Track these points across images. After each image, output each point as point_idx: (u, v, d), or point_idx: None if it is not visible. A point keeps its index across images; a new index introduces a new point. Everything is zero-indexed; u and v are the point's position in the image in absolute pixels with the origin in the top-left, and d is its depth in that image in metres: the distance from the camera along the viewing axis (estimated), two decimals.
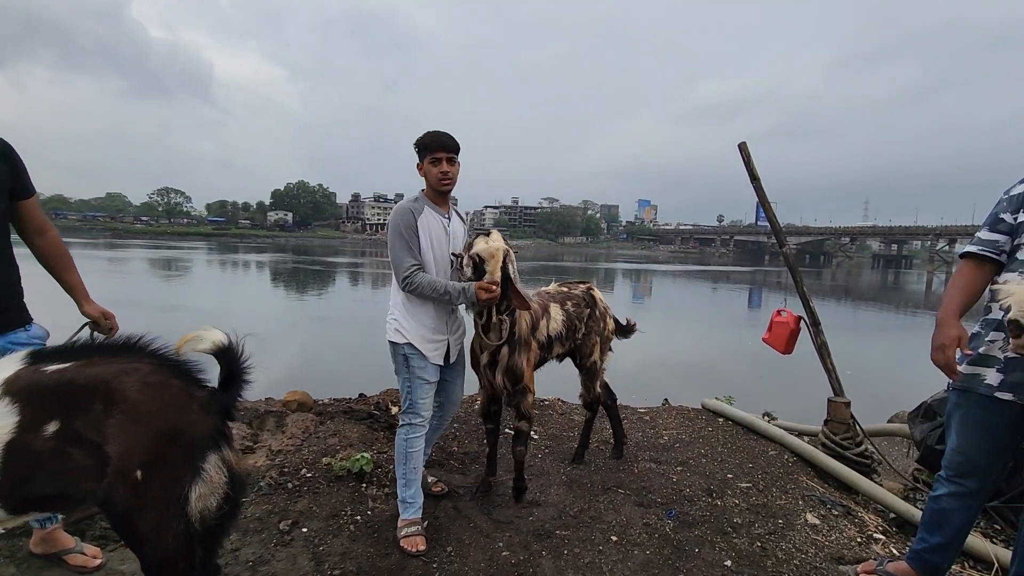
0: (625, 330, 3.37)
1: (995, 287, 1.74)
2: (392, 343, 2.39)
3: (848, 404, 3.27)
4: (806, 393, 5.21)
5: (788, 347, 3.54)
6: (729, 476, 3.04)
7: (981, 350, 1.83)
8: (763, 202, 3.86)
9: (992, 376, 1.80)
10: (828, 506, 2.78)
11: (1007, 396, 1.76)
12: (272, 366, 7.50)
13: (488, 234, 2.33)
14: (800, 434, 3.58)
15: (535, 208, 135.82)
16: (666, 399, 4.69)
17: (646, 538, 2.42)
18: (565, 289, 3.03)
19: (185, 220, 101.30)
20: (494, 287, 2.23)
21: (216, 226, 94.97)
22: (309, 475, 2.86)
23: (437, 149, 2.32)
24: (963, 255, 1.93)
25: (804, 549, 2.39)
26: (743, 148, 3.79)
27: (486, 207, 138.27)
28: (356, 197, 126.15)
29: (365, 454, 2.90)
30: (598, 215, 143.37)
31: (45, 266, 1.97)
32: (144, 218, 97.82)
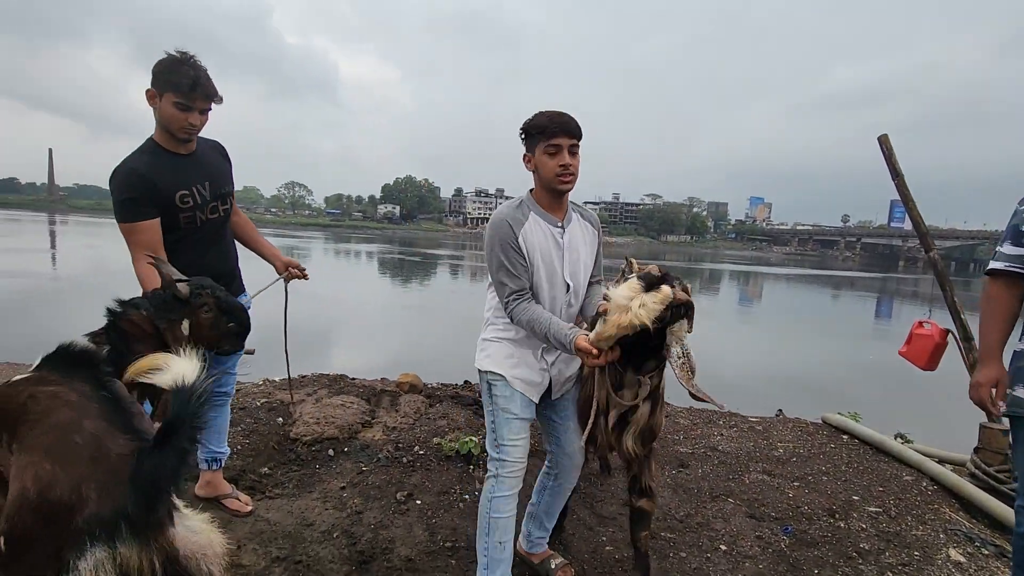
0: None
1: None
2: (479, 370, 1.92)
3: (1007, 433, 2.87)
4: (949, 416, 4.64)
5: (931, 363, 3.17)
6: (855, 498, 2.80)
7: None
8: (906, 201, 3.49)
9: None
10: (977, 544, 2.47)
11: None
12: (383, 348, 8.04)
13: (647, 284, 1.51)
14: (942, 461, 3.21)
15: (637, 205, 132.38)
16: (780, 410, 4.40)
17: (759, 551, 2.31)
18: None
19: (307, 212, 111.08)
20: (596, 355, 1.57)
21: (332, 218, 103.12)
22: (421, 452, 3.05)
23: (557, 133, 1.71)
24: (989, 273, 1.75)
25: None
26: (884, 141, 3.46)
27: (586, 203, 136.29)
28: (458, 192, 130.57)
29: (473, 438, 3.03)
30: (704, 213, 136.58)
31: (240, 238, 2.33)
32: (273, 209, 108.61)
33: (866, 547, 2.38)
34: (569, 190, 1.80)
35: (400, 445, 3.11)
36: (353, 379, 4.24)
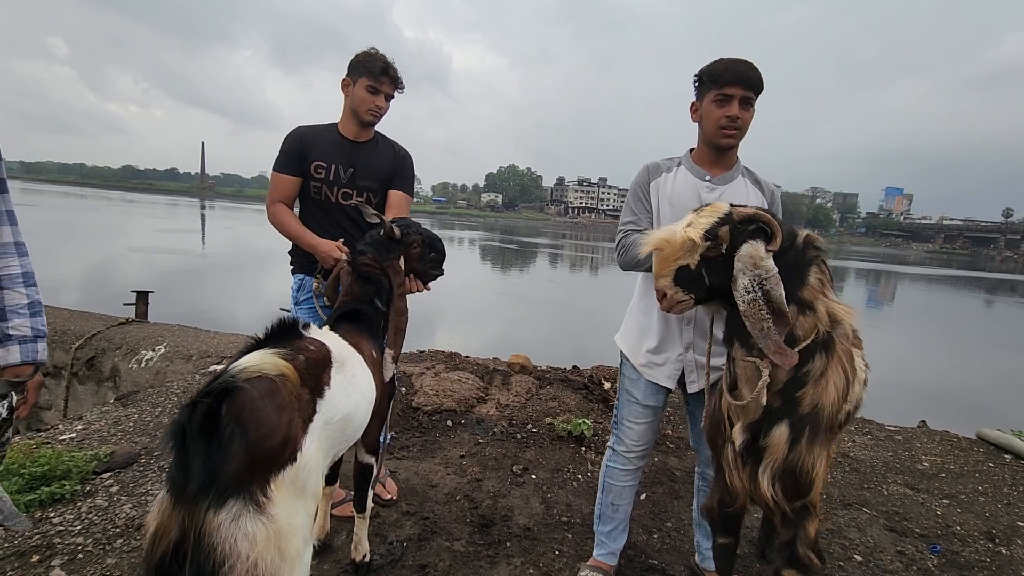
0: None
1: None
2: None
3: None
4: None
5: None
6: (1019, 523, 2.47)
7: None
8: None
9: None
10: None
11: None
12: (491, 330, 8.32)
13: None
14: None
15: None
16: (923, 421, 3.96)
17: (900, 567, 2.13)
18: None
19: (415, 200, 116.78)
20: (659, 297, 1.38)
21: (439, 205, 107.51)
22: (534, 431, 3.14)
23: (731, 82, 1.57)
24: None
25: None
26: None
27: None
28: (560, 181, 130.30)
29: (585, 420, 3.07)
30: (829, 204, 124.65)
31: None
32: None
33: None
34: (732, 145, 1.65)
35: (513, 422, 3.23)
36: (467, 357, 4.44)
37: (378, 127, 2.20)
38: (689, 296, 1.32)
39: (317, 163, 2.08)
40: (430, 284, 1.96)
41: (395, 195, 2.21)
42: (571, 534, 2.21)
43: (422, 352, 4.48)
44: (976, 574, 2.12)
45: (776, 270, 1.21)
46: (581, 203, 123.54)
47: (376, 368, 1.64)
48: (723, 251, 1.26)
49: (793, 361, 1.21)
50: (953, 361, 8.53)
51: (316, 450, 1.23)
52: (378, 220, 1.81)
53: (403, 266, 1.82)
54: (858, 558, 2.17)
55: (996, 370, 8.02)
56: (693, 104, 1.70)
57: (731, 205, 1.30)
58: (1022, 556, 2.24)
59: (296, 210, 2.19)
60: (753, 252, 1.20)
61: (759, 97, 1.62)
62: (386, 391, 1.72)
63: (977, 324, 14.25)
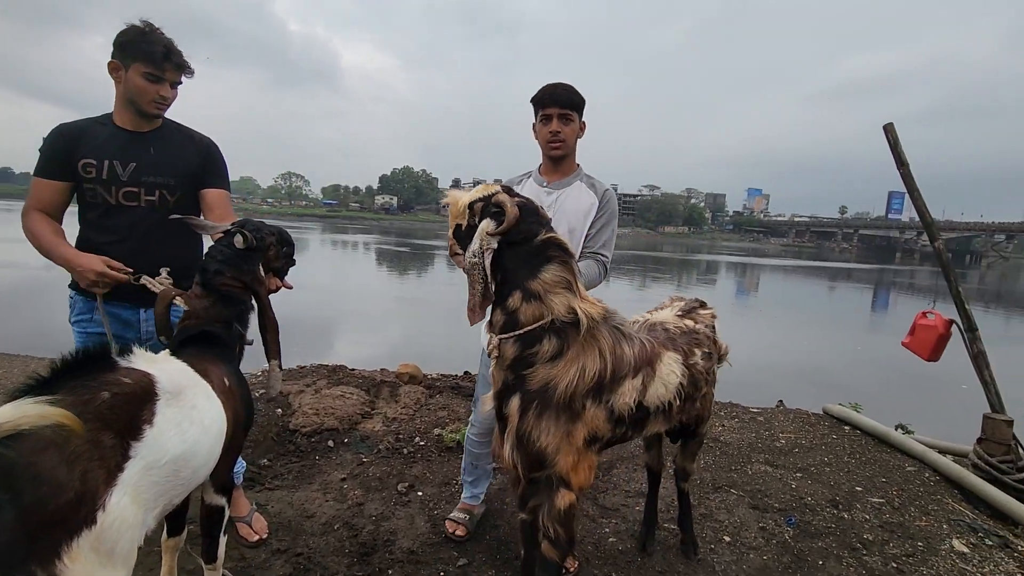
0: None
1: None
2: None
3: (1010, 423, 2.86)
4: (951, 407, 4.64)
5: (934, 354, 3.16)
6: (858, 489, 2.79)
7: None
8: (911, 190, 3.45)
9: None
10: (980, 534, 2.46)
11: None
12: (382, 339, 8.01)
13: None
14: (945, 452, 3.20)
15: (635, 196, 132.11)
16: (780, 401, 4.39)
17: (762, 543, 2.30)
18: (690, 323, 1.83)
19: (303, 202, 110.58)
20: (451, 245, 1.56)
21: (329, 208, 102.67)
22: (422, 443, 3.02)
23: (548, 103, 1.97)
24: None
25: None
26: (890, 130, 3.41)
27: None
28: (456, 182, 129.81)
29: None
30: (702, 204, 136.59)
31: None
32: (269, 200, 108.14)
33: (870, 538, 2.37)
34: (561, 156, 2.03)
35: (401, 436, 3.09)
36: (352, 370, 4.21)
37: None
38: (460, 252, 1.50)
39: (86, 161, 1.78)
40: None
41: (213, 194, 1.95)
42: (458, 551, 2.13)
43: (302, 368, 4.17)
44: (825, 540, 2.35)
45: (494, 247, 1.40)
46: None
47: (230, 397, 1.45)
48: (475, 221, 1.45)
49: (474, 319, 1.42)
50: (804, 343, 9.64)
51: (131, 503, 1.04)
52: (225, 231, 1.63)
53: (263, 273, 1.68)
54: (727, 539, 2.32)
55: (839, 349, 9.19)
56: (534, 125, 2.06)
57: (502, 189, 1.47)
58: (861, 519, 2.53)
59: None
60: (485, 226, 1.41)
61: (583, 111, 2.01)
62: (242, 420, 1.53)
63: (822, 308, 16.28)
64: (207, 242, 1.79)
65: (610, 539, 2.29)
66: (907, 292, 22.11)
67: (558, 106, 1.96)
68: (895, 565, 2.19)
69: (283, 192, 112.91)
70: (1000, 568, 2.25)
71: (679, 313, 1.87)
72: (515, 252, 1.43)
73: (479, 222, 1.43)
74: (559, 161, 2.04)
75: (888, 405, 4.83)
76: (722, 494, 2.69)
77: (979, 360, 3.04)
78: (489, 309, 1.48)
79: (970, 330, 3.08)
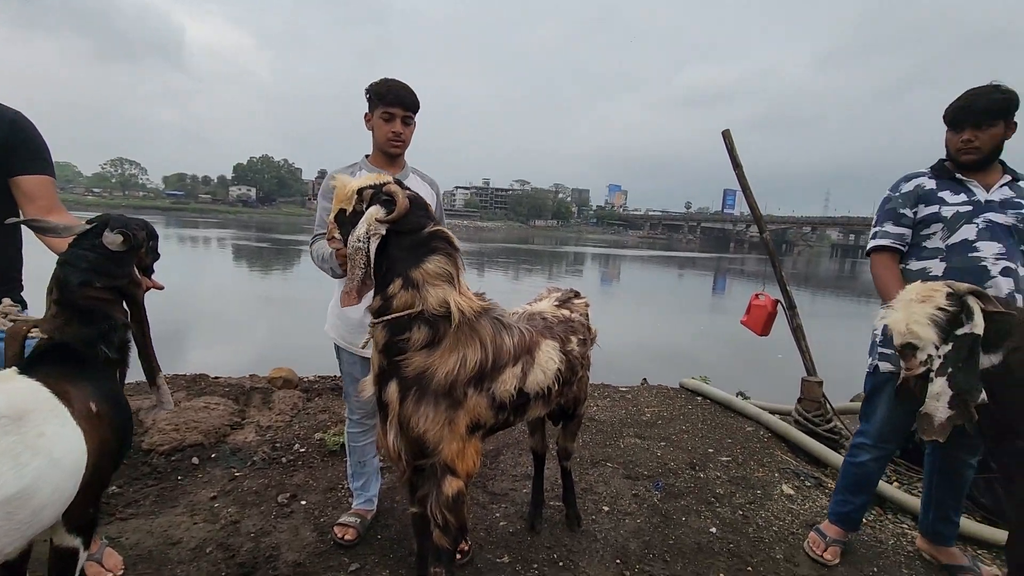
0: None
1: (878, 319, 1.82)
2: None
3: (820, 383, 3.45)
4: (778, 374, 5.45)
5: (765, 329, 3.70)
6: (710, 451, 3.19)
7: None
8: (745, 189, 3.98)
9: None
10: (801, 478, 2.96)
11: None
12: (247, 344, 7.37)
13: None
14: (774, 412, 3.77)
15: (507, 190, 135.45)
16: (644, 379, 4.84)
17: (636, 508, 2.54)
18: (566, 312, 1.94)
19: (141, 193, 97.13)
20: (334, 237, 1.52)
21: (175, 200, 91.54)
22: (303, 450, 2.87)
23: (393, 103, 1.99)
24: (878, 249, 2.11)
25: (781, 517, 2.55)
26: (727, 135, 3.89)
27: (456, 187, 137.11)
28: (323, 174, 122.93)
29: None
30: (569, 199, 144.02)
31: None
32: (96, 189, 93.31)
33: (721, 492, 2.73)
34: (398, 154, 2.10)
35: (277, 444, 2.90)
36: (216, 378, 3.84)
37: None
38: (338, 237, 1.51)
39: None
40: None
41: (32, 182, 1.66)
42: (349, 556, 2.07)
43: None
44: (686, 498, 2.66)
45: (382, 233, 1.40)
46: None
47: (95, 424, 1.25)
48: (363, 208, 1.45)
49: (348, 303, 1.41)
50: (661, 324, 10.68)
51: None
52: (85, 231, 1.40)
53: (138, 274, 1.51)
54: (606, 508, 2.53)
55: (690, 328, 10.32)
56: (367, 115, 2.08)
57: (393, 181, 1.48)
58: (714, 476, 2.90)
59: None
60: (374, 213, 1.40)
61: (417, 114, 2.07)
62: (112, 450, 1.32)
63: (674, 293, 18.12)
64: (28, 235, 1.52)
65: (501, 523, 2.37)
66: (740, 277, 25.41)
67: (403, 108, 2.02)
68: (741, 512, 2.55)
69: (113, 181, 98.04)
70: (817, 503, 2.72)
71: (556, 303, 1.98)
72: (401, 241, 1.44)
73: (367, 208, 1.43)
74: (395, 157, 2.11)
75: (731, 375, 5.55)
76: (599, 468, 2.92)
77: (797, 332, 3.62)
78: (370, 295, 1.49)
79: (791, 308, 3.66)
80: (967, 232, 1.95)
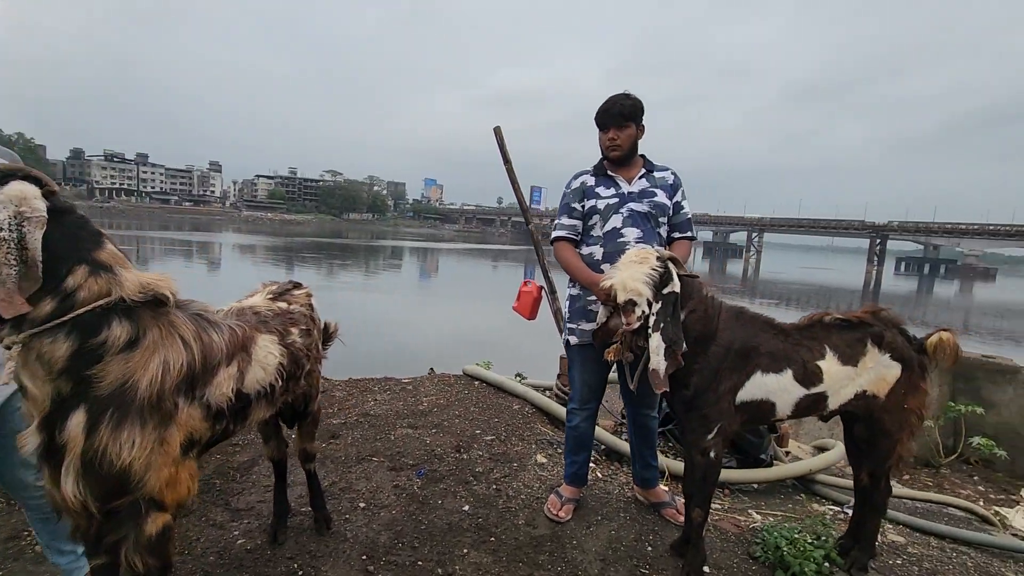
0: (326, 338, 2.17)
1: (604, 283, 2.03)
2: None
3: None
4: (546, 354, 5.97)
5: (532, 313, 3.99)
6: (477, 432, 3.33)
7: (592, 308, 2.34)
8: (513, 184, 4.23)
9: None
10: (555, 446, 3.26)
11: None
12: None
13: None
14: (542, 389, 4.10)
15: (316, 181, 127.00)
16: (432, 368, 4.89)
17: (394, 499, 2.53)
18: (283, 305, 1.80)
19: None
20: None
21: None
22: None
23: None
24: (558, 239, 2.40)
25: (531, 484, 2.77)
26: (497, 132, 4.10)
27: (258, 176, 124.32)
28: (78, 154, 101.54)
29: None
30: (384, 192, 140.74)
31: None
32: None
33: (480, 470, 2.86)
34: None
35: None
36: None
37: None
38: None
39: None
40: None
41: None
42: None
43: None
44: (447, 481, 2.73)
45: (45, 216, 1.11)
46: (114, 184, 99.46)
47: None
48: None
49: (9, 312, 1.09)
50: (462, 314, 11.03)
51: None
52: None
53: None
54: (363, 505, 2.47)
55: (488, 316, 10.83)
56: None
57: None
58: (476, 456, 3.03)
59: None
60: (23, 190, 1.10)
61: None
62: None
63: (483, 283, 18.89)
64: None
65: (239, 541, 2.16)
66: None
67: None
68: (495, 487, 2.70)
69: None
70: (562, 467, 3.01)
71: (271, 296, 1.85)
72: (65, 221, 1.17)
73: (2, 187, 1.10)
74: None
75: (515, 358, 5.93)
76: (364, 464, 2.84)
77: (557, 315, 3.98)
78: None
79: (551, 292, 4.01)
80: (616, 221, 2.32)
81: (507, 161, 4.20)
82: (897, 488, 3.62)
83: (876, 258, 63.71)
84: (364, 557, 2.10)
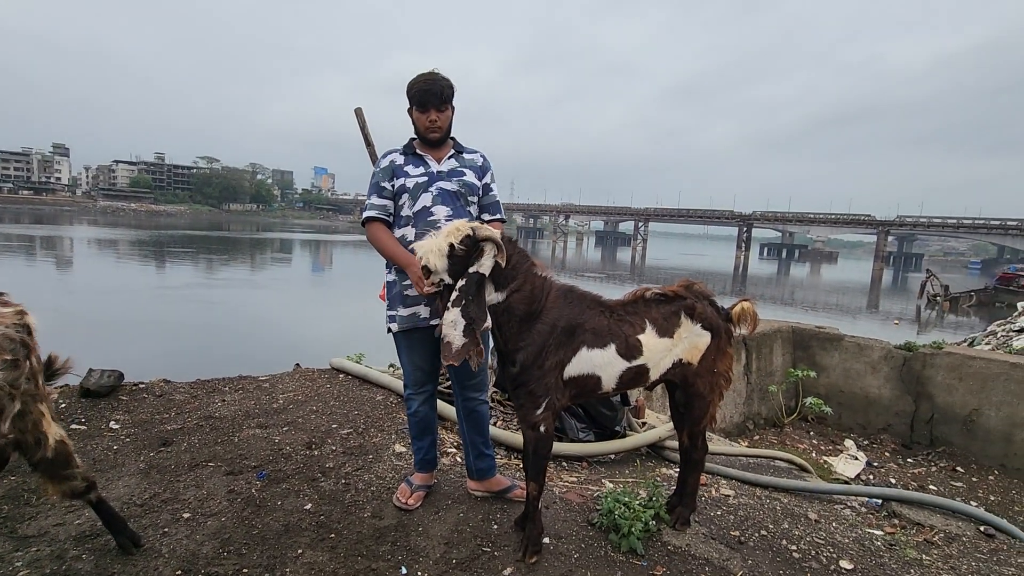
0: (51, 373, 1.86)
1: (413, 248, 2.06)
2: None
3: None
4: None
5: None
6: (334, 426, 3.19)
7: (408, 292, 2.31)
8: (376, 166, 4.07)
9: (423, 311, 2.32)
10: None
11: (435, 321, 2.28)
12: None
13: None
14: None
15: (190, 168, 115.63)
16: (297, 364, 4.62)
17: (226, 505, 2.33)
18: None
19: None
20: None
21: None
22: None
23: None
24: (369, 220, 2.32)
25: (385, 475, 2.69)
26: (358, 113, 3.91)
27: (116, 162, 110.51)
28: None
29: None
30: (270, 180, 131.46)
31: None
32: None
33: (331, 465, 2.73)
34: None
35: None
36: None
37: None
38: None
39: None
40: None
41: None
42: None
43: None
44: (291, 480, 2.57)
45: None
46: None
47: None
48: None
49: None
50: (341, 308, 10.60)
51: None
52: None
53: None
54: (187, 515, 2.24)
55: (366, 309, 10.50)
56: None
57: None
58: (329, 451, 2.89)
59: None
60: None
61: None
62: None
63: (373, 275, 18.32)
64: None
65: (22, 572, 1.87)
66: None
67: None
68: (344, 481, 2.59)
69: None
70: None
71: None
72: None
73: None
74: None
75: (392, 349, 5.78)
76: (197, 471, 2.60)
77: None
78: None
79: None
80: (425, 200, 2.30)
81: (369, 144, 4.03)
82: (732, 447, 4.02)
83: (744, 245, 70.74)
84: (179, 572, 1.91)
